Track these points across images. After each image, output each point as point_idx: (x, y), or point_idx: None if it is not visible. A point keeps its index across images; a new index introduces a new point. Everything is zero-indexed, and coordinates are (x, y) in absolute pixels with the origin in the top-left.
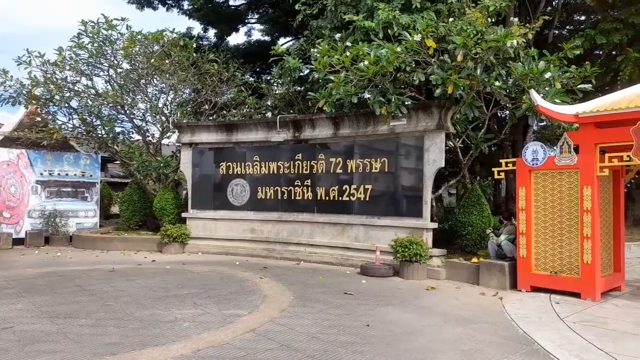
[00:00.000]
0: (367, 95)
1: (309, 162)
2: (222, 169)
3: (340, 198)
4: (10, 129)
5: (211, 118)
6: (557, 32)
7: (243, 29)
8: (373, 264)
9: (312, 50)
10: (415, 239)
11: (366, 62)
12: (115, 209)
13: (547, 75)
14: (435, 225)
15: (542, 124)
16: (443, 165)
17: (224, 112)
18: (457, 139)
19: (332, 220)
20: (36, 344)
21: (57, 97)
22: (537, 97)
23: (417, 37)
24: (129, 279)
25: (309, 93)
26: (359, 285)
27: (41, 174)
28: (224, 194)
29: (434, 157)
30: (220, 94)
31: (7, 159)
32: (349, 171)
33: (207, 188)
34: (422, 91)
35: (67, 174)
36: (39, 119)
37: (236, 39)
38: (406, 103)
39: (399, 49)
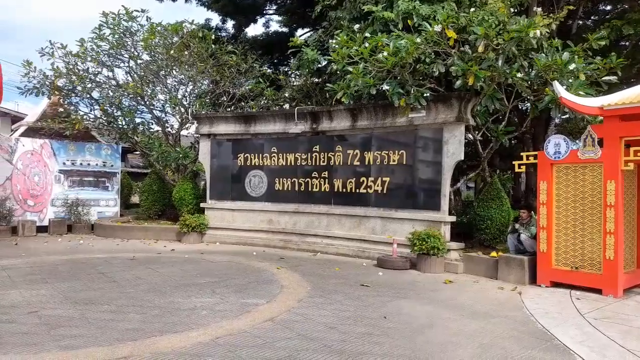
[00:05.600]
0: (385, 87)
1: (326, 153)
2: (240, 160)
3: (357, 190)
4: (33, 119)
5: (229, 109)
6: (581, 22)
7: (261, 20)
8: (390, 256)
9: (330, 41)
10: (432, 232)
11: (385, 53)
12: (135, 199)
13: (571, 66)
14: (453, 218)
15: (564, 116)
16: (462, 158)
17: (242, 103)
18: (477, 132)
19: (349, 212)
20: (61, 328)
21: (79, 88)
22: (560, 89)
23: (438, 28)
24: (149, 267)
25: (327, 84)
26: (376, 277)
27: (64, 163)
28: (241, 185)
29: (453, 150)
30: (239, 86)
31: (31, 149)
32: (366, 163)
33: (225, 179)
34: (442, 83)
35: (88, 164)
36: (61, 109)
37: (254, 30)
38: (425, 95)
39: (418, 40)
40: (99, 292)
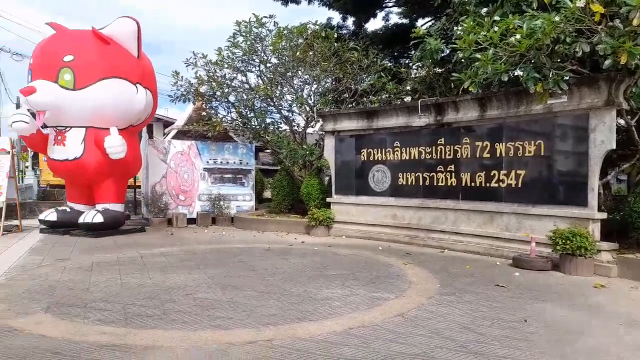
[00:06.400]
0: (518, 72)
1: (452, 146)
2: (363, 155)
3: (487, 184)
4: (182, 123)
5: (351, 106)
6: None
7: (380, 14)
8: (527, 255)
9: (454, 28)
10: (578, 231)
11: (518, 36)
12: (267, 194)
13: None
14: (603, 215)
15: None
16: (614, 147)
17: (364, 99)
18: (631, 117)
19: (478, 208)
20: (212, 310)
21: (218, 93)
22: None
23: (580, 3)
24: (283, 257)
25: (453, 74)
26: (512, 277)
27: (207, 162)
28: (365, 180)
29: (602, 138)
30: (360, 81)
31: (180, 150)
32: (497, 155)
33: (349, 174)
34: (586, 64)
35: (227, 162)
36: (204, 113)
37: (374, 24)
38: (566, 78)
39: (557, 19)
40: (241, 279)
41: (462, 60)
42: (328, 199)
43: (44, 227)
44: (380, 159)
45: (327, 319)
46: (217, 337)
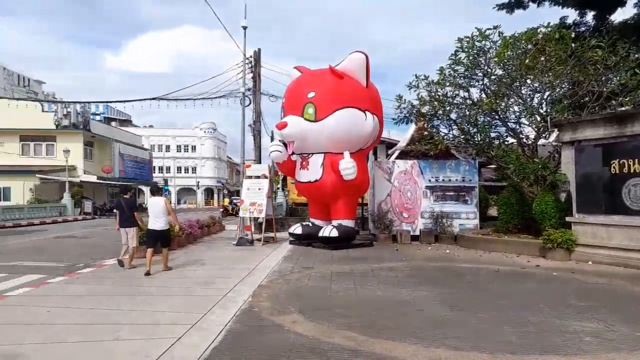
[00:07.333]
0: None
1: None
2: (613, 167)
3: None
4: (404, 144)
5: (593, 111)
6: None
7: (631, 1)
8: None
9: None
10: None
11: None
12: (491, 212)
13: None
14: None
15: None
16: None
17: (612, 102)
18: None
19: None
20: (442, 328)
21: (439, 112)
22: None
23: None
24: (515, 281)
25: None
26: None
27: (429, 180)
28: (616, 196)
29: None
30: (606, 82)
31: (403, 169)
32: None
33: (595, 189)
34: None
35: (449, 180)
36: (425, 132)
37: (623, 14)
38: None
39: None
40: (471, 300)
41: None
42: (567, 218)
43: (292, 239)
44: (637, 170)
45: (578, 355)
46: (450, 356)
